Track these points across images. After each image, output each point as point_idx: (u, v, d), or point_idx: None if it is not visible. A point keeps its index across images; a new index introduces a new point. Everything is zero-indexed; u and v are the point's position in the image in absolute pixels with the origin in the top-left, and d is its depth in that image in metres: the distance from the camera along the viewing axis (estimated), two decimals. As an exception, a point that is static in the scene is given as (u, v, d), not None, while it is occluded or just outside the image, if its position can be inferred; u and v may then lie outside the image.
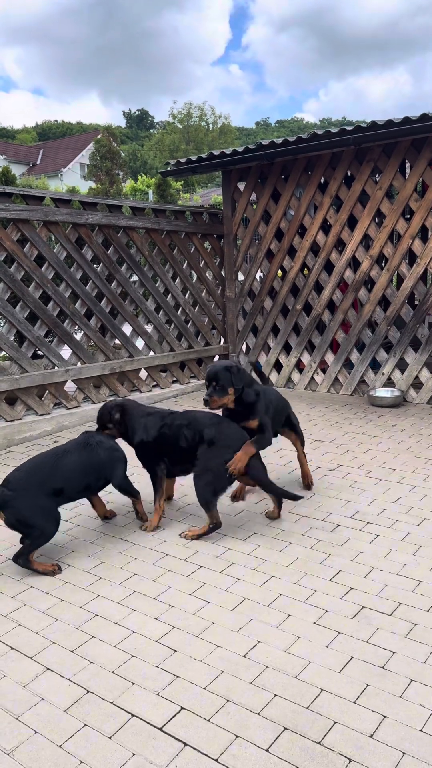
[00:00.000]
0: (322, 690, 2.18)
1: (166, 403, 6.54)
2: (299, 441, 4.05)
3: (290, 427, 4.01)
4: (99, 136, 34.57)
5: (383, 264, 6.76)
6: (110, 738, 1.99)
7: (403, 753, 1.90)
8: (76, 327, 5.96)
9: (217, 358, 7.72)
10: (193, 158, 6.94)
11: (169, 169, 7.29)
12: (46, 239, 5.55)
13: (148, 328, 6.75)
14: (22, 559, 3.00)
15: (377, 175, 6.56)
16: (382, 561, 3.07)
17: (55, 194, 5.78)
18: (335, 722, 2.03)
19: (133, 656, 2.39)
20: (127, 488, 3.48)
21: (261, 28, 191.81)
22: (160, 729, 2.02)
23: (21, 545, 3.06)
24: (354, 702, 2.12)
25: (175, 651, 2.41)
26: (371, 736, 1.97)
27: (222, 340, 7.75)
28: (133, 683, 2.24)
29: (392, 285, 6.48)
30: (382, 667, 2.29)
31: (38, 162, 48.97)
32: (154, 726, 2.03)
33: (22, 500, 2.99)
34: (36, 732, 2.03)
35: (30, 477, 3.07)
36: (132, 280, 6.52)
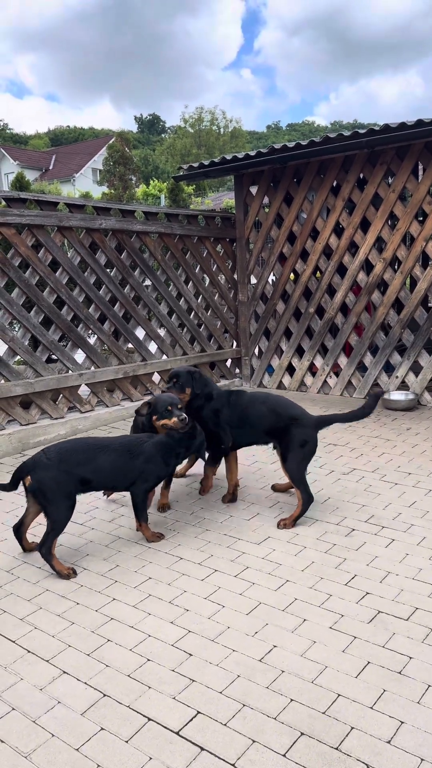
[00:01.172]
0: (338, 695, 2.17)
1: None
2: (285, 467, 3.60)
3: (280, 444, 3.64)
4: (112, 141, 34.76)
5: (396, 267, 6.72)
6: (127, 742, 2.00)
7: (422, 759, 1.88)
8: (90, 331, 5.99)
9: (229, 361, 7.72)
10: (206, 163, 6.95)
11: (182, 173, 7.31)
12: (60, 244, 5.60)
13: (161, 332, 6.77)
14: (45, 548, 3.05)
15: (390, 178, 6.54)
16: (398, 565, 3.06)
17: (69, 200, 5.82)
18: (352, 728, 2.02)
19: (149, 660, 2.39)
20: (137, 505, 3.36)
21: (273, 32, 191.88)
22: (177, 733, 2.02)
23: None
24: (371, 707, 2.11)
25: (190, 655, 2.41)
26: (389, 742, 1.95)
27: (234, 344, 7.75)
28: (149, 687, 2.24)
29: (406, 288, 6.45)
30: (399, 672, 2.27)
31: (51, 167, 49.37)
32: (171, 730, 2.03)
33: (53, 472, 3.05)
34: (53, 735, 2.04)
35: (69, 456, 3.15)
36: (145, 284, 6.55)
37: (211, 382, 3.85)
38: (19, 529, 3.28)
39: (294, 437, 3.56)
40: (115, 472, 3.26)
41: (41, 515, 3.20)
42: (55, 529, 3.05)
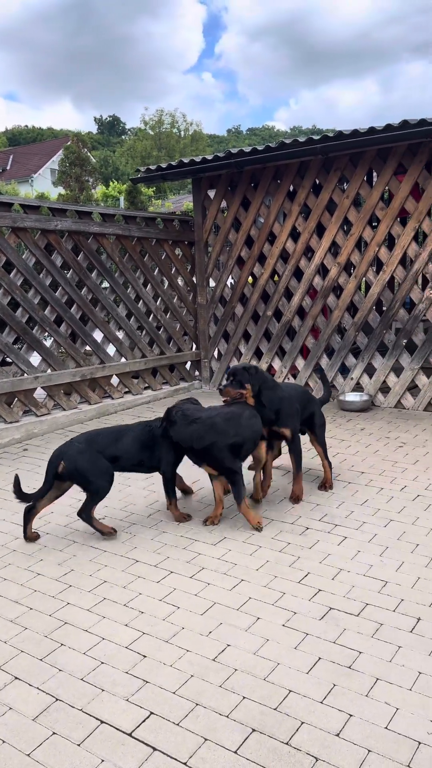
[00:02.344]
0: (290, 691, 2.21)
1: (138, 410, 6.53)
2: (318, 443, 4.13)
3: (309, 428, 4.11)
4: (69, 143, 34.34)
5: (351, 271, 6.87)
6: (79, 745, 1.99)
7: (369, 750, 1.94)
8: (46, 333, 5.92)
9: (189, 364, 7.74)
10: (164, 165, 6.97)
11: (139, 176, 7.30)
12: (14, 245, 5.52)
13: (120, 334, 6.74)
14: (85, 514, 3.39)
15: (344, 184, 6.68)
16: (349, 563, 3.12)
17: (24, 200, 5.75)
18: (303, 722, 2.06)
19: (102, 663, 2.39)
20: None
21: (234, 37, 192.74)
22: (129, 735, 2.02)
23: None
24: (321, 702, 2.15)
25: (144, 656, 2.42)
26: (338, 735, 2.00)
27: (194, 346, 7.77)
28: (103, 690, 2.24)
29: (360, 292, 6.59)
30: (349, 667, 2.33)
31: (8, 167, 48.41)
32: (123, 732, 2.04)
33: (86, 454, 3.37)
34: (4, 741, 2.01)
35: (96, 438, 3.49)
36: (103, 286, 6.52)
37: (267, 375, 3.76)
38: (30, 512, 3.41)
39: (319, 418, 4.13)
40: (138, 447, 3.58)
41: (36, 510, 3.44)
42: (93, 499, 3.38)
